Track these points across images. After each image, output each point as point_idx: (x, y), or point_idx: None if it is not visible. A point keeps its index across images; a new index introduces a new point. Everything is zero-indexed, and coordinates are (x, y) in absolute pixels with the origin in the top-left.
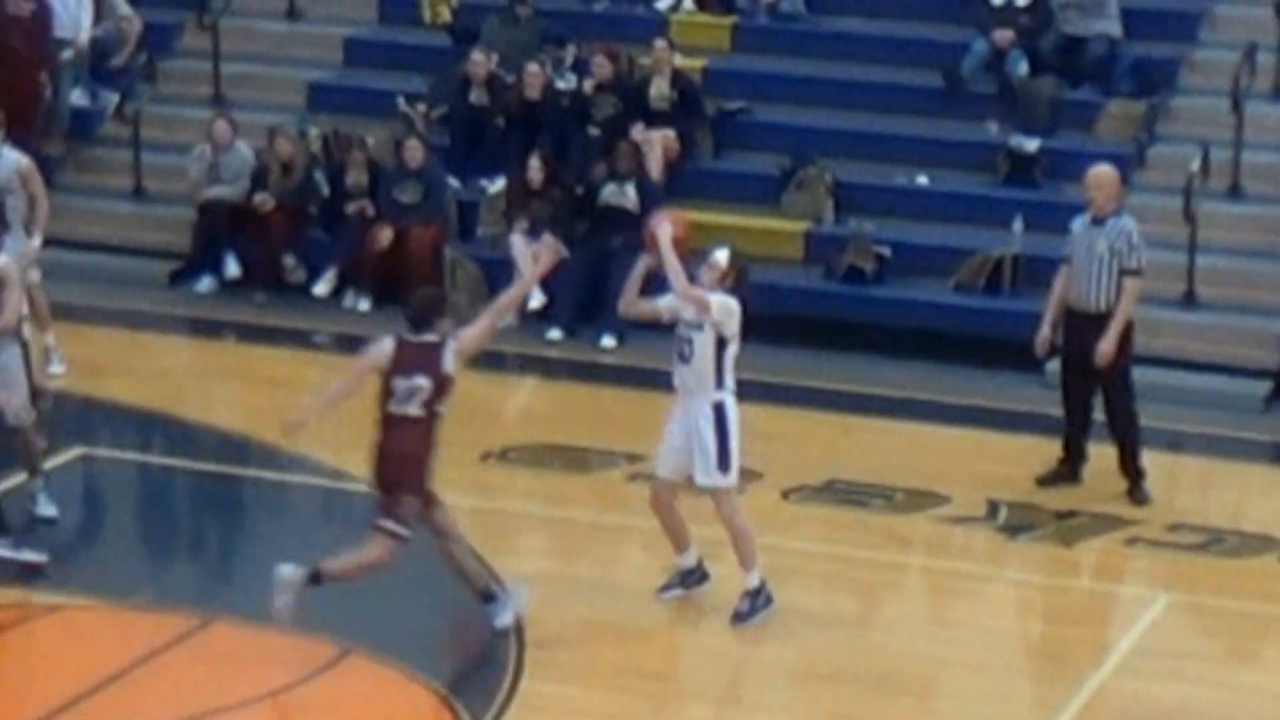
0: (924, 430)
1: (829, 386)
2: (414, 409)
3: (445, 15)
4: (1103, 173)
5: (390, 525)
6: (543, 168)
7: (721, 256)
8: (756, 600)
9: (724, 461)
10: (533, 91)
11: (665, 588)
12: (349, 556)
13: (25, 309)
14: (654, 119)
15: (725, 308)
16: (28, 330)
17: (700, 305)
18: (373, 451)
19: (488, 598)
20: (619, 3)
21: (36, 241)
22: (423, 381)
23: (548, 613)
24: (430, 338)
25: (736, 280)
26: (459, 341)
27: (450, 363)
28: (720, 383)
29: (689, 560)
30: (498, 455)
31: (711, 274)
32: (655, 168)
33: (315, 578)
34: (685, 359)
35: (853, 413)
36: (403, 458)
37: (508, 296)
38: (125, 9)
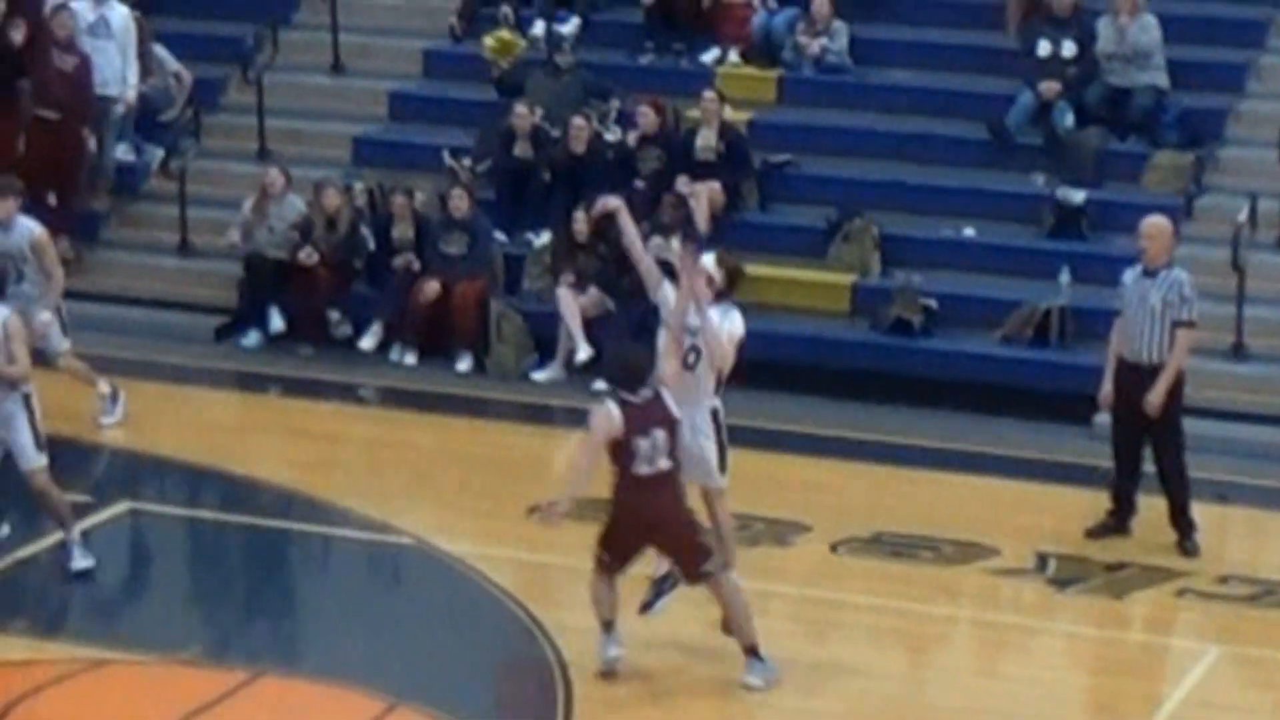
0: (972, 482)
1: (876, 439)
2: (664, 462)
3: (504, 62)
4: (1156, 223)
5: (708, 568)
6: (588, 221)
7: (709, 262)
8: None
9: (723, 463)
10: (578, 145)
11: (647, 605)
12: (731, 616)
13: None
14: (700, 171)
15: (735, 336)
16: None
17: (723, 351)
18: (633, 515)
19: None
20: (664, 56)
21: (45, 315)
22: (661, 433)
23: (594, 665)
24: (648, 392)
25: (729, 282)
26: (666, 383)
27: (673, 406)
28: (717, 388)
29: (664, 565)
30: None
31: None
32: (701, 220)
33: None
34: (690, 366)
35: (900, 465)
36: (671, 509)
37: (675, 318)
38: (175, 64)
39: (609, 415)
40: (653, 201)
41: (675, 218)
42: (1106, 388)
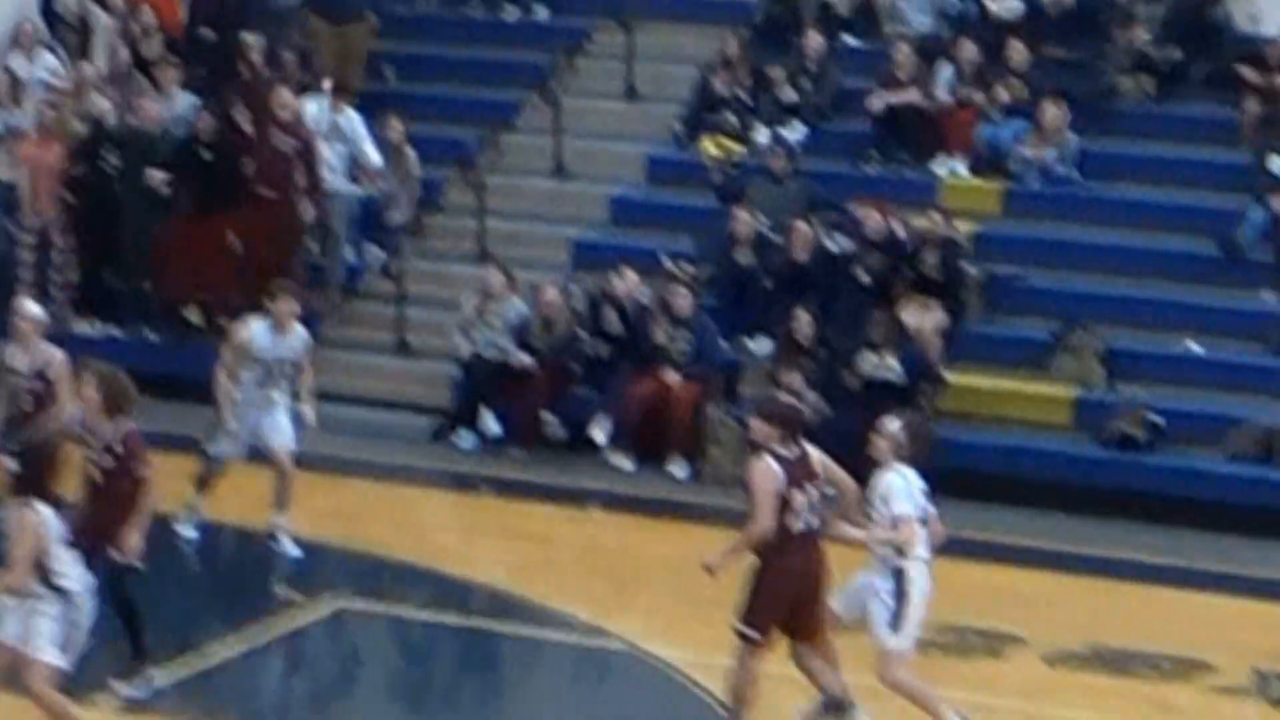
0: (1192, 598)
1: (1094, 552)
2: (815, 519)
3: (723, 168)
4: None
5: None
6: (811, 323)
7: (895, 426)
8: None
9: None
10: (800, 252)
11: None
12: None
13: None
14: (921, 284)
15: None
16: None
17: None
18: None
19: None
20: (890, 166)
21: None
22: (813, 489)
23: None
24: (797, 449)
25: (915, 446)
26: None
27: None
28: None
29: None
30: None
31: (886, 443)
32: (930, 339)
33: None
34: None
35: (1119, 579)
36: (821, 568)
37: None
38: (417, 169)
39: (770, 469)
40: (873, 308)
41: (886, 336)
42: None
